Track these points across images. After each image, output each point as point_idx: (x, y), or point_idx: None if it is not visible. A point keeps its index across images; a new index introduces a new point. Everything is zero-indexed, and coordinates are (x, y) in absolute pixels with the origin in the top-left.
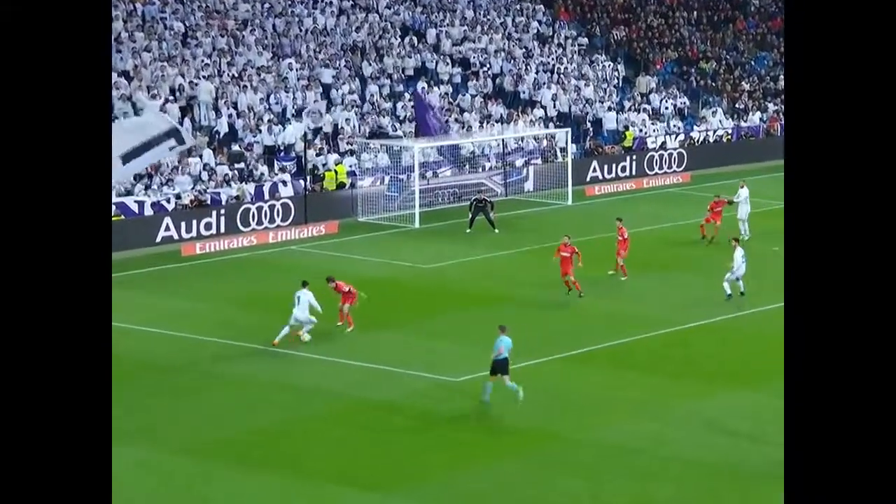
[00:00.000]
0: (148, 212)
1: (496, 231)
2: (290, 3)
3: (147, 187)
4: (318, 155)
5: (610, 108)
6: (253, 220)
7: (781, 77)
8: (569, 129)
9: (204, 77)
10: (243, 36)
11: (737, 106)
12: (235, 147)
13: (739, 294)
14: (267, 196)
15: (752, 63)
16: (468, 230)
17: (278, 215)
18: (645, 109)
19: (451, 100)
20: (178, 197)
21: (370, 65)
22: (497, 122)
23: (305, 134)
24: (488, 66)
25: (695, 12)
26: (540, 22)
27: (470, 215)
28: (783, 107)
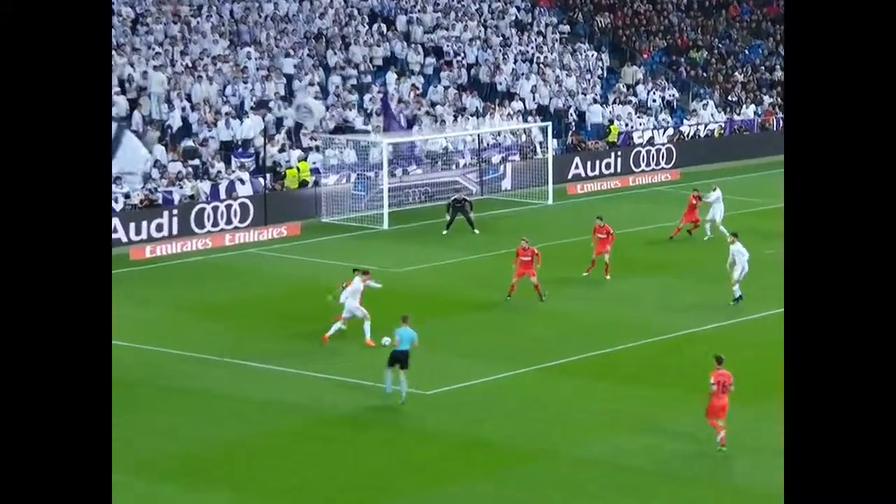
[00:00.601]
0: None
1: (476, 232)
2: None
3: None
4: (280, 151)
5: (594, 101)
6: (208, 221)
7: (777, 67)
8: (549, 124)
9: (155, 67)
10: (198, 22)
11: (729, 98)
12: (189, 142)
13: (733, 293)
14: (223, 195)
15: (746, 52)
16: (445, 231)
17: (236, 216)
18: (631, 102)
19: (421, 92)
20: (126, 196)
21: (335, 54)
22: (472, 115)
23: (265, 128)
24: (463, 55)
25: None
26: (518, 8)
27: (448, 216)
28: (781, 104)
